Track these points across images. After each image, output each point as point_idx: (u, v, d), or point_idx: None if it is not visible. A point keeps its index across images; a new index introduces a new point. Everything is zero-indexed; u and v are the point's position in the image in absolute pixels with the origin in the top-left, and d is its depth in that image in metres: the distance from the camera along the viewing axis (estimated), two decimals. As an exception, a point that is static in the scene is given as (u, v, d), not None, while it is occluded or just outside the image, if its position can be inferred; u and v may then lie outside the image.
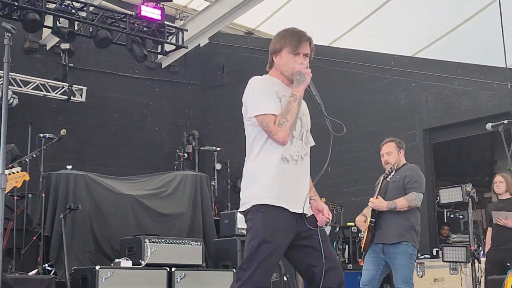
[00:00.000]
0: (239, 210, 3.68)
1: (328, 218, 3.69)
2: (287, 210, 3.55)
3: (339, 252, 9.89)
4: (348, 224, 10.12)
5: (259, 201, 3.54)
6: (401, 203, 6.07)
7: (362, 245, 6.30)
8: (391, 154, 6.35)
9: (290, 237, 3.58)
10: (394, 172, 6.20)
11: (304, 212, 3.62)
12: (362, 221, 6.36)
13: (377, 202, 6.14)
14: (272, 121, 3.55)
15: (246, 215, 3.61)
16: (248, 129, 3.69)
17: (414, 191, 6.11)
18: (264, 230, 3.49)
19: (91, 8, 9.84)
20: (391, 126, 10.82)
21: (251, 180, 3.62)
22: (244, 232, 8.12)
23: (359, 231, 6.61)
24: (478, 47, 11.72)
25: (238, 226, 8.93)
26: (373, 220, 6.14)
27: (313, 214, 3.71)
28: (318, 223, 3.67)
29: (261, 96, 3.61)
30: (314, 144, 3.86)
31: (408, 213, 6.11)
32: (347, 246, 10.28)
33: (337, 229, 9.66)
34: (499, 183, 7.79)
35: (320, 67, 11.65)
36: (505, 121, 3.30)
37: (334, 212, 9.93)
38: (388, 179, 6.23)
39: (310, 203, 3.71)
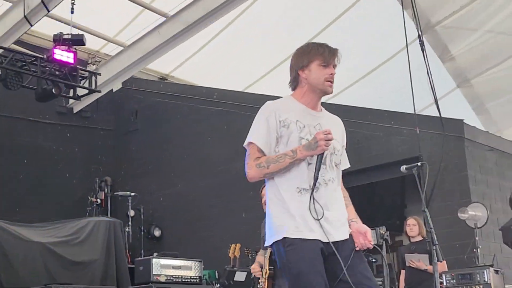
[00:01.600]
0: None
1: (370, 241, 3.57)
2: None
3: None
4: (263, 269, 10.06)
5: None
6: None
7: None
8: None
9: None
10: None
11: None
12: (258, 270, 6.30)
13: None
14: (252, 156, 3.56)
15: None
16: None
17: None
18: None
19: (0, 51, 9.61)
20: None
21: None
22: (160, 279, 7.99)
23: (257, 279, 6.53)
24: (387, 94, 12.08)
25: (153, 273, 8.73)
26: (272, 267, 6.09)
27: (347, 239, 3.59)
28: (356, 245, 3.56)
29: (258, 125, 3.62)
30: (348, 166, 3.77)
31: None
32: (262, 292, 10.20)
33: (253, 274, 9.57)
34: (413, 226, 7.97)
35: (235, 112, 11.73)
36: (419, 163, 3.38)
37: (250, 257, 9.86)
38: None
39: (350, 226, 3.63)
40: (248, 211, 11.18)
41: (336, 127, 3.73)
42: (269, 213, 3.60)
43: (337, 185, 3.66)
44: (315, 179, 3.46)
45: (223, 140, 11.79)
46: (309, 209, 3.44)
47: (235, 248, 9.94)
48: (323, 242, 3.48)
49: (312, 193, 3.45)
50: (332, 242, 3.47)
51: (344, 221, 3.62)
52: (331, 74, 3.62)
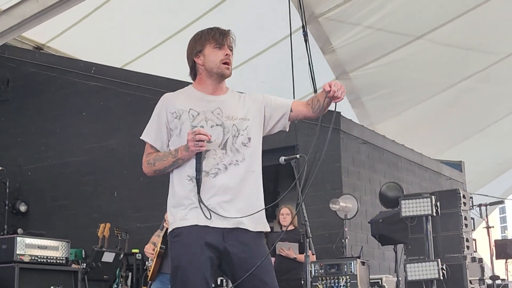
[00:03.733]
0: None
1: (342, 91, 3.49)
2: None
3: (121, 279, 9.62)
4: (133, 250, 9.90)
5: None
6: None
7: (149, 274, 6.15)
8: None
9: None
10: None
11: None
12: (152, 249, 6.23)
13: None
14: (146, 152, 3.60)
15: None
16: None
17: None
18: None
19: None
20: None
21: None
22: (24, 259, 7.65)
23: (144, 258, 6.46)
24: (269, 80, 12.14)
25: (17, 252, 8.27)
26: (163, 246, 6.03)
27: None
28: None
29: (151, 122, 3.62)
30: (285, 127, 3.75)
31: None
32: (130, 274, 10.04)
33: (121, 255, 9.38)
34: (286, 215, 8.04)
35: (112, 89, 11.42)
36: (298, 156, 3.37)
37: (119, 238, 9.66)
38: None
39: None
40: (120, 191, 10.96)
41: (243, 105, 3.64)
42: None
43: (248, 166, 3.56)
44: (197, 171, 3.44)
45: (98, 117, 11.46)
46: (198, 194, 3.41)
47: (104, 228, 9.71)
48: (220, 228, 3.43)
49: (199, 183, 3.42)
50: (230, 228, 3.43)
51: (253, 207, 3.56)
52: (226, 55, 3.56)
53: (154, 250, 6.18)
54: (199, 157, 3.43)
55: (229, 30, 3.62)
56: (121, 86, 11.42)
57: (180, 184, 3.51)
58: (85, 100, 11.76)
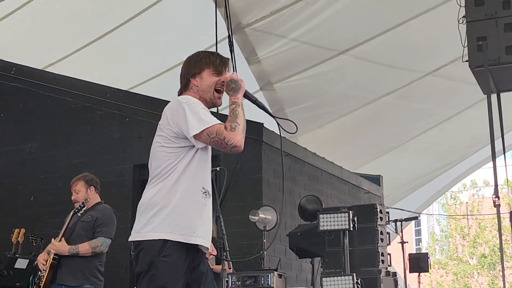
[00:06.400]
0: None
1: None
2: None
3: (34, 287, 9.37)
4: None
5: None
6: (84, 248, 5.99)
7: (42, 285, 6.02)
8: (79, 192, 6.27)
9: None
10: (84, 211, 6.09)
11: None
12: (45, 259, 6.09)
13: (59, 246, 5.97)
14: (223, 128, 3.38)
15: None
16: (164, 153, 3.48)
17: (101, 236, 6.07)
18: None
19: None
20: (101, 158, 10.62)
21: None
22: None
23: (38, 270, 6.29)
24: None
25: None
26: (57, 257, 5.93)
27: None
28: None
29: (202, 112, 3.45)
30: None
31: (92, 255, 6.04)
32: (44, 281, 9.80)
33: (35, 262, 9.15)
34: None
35: (32, 90, 11.18)
36: (217, 168, 3.38)
37: (34, 244, 9.43)
38: (79, 214, 6.11)
39: None
40: (37, 195, 10.71)
41: None
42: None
43: None
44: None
45: (16, 118, 11.18)
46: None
47: (18, 233, 9.46)
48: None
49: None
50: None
51: None
52: (223, 82, 3.64)
53: (47, 259, 6.05)
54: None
55: (229, 59, 3.73)
56: (41, 88, 11.18)
57: (188, 193, 3.46)
58: (4, 101, 11.46)
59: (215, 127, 3.41)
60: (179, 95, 3.67)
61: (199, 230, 3.46)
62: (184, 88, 3.67)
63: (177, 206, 3.40)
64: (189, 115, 3.41)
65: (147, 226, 3.41)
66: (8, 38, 12.05)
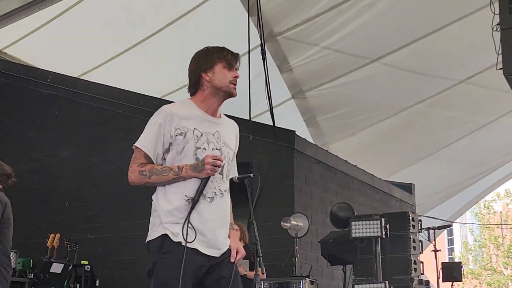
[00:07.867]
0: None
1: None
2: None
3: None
4: (82, 262, 9.78)
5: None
6: None
7: None
8: None
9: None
10: None
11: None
12: None
13: None
14: (137, 158, 3.44)
15: None
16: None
17: None
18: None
19: None
20: (134, 165, 10.71)
21: None
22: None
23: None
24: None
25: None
26: None
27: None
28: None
29: (147, 130, 3.49)
30: (236, 174, 3.69)
31: None
32: (78, 285, 9.92)
33: (70, 267, 9.28)
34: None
35: (68, 98, 11.34)
36: (251, 175, 3.41)
37: (69, 249, 9.55)
38: None
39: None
40: (72, 201, 10.85)
41: (231, 134, 3.72)
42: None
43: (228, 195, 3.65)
44: (198, 192, 3.44)
45: (52, 125, 11.35)
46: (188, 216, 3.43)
47: (54, 238, 9.59)
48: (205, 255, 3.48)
49: (194, 204, 3.44)
50: (214, 257, 3.52)
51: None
52: (235, 76, 3.60)
53: None
54: (205, 180, 3.43)
55: (238, 54, 3.67)
56: (77, 96, 11.34)
57: (176, 200, 3.46)
58: (40, 109, 11.64)
59: (137, 152, 3.51)
60: (190, 94, 3.67)
61: (191, 235, 3.42)
62: (195, 86, 3.62)
63: (163, 210, 3.48)
64: (146, 126, 3.58)
65: (151, 228, 3.54)
66: (45, 47, 12.27)
